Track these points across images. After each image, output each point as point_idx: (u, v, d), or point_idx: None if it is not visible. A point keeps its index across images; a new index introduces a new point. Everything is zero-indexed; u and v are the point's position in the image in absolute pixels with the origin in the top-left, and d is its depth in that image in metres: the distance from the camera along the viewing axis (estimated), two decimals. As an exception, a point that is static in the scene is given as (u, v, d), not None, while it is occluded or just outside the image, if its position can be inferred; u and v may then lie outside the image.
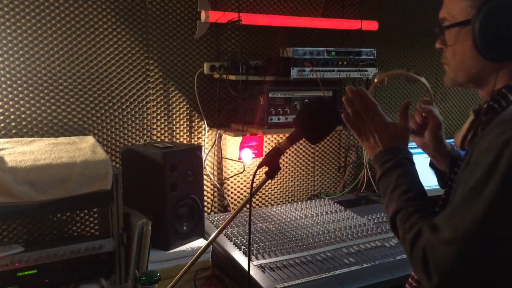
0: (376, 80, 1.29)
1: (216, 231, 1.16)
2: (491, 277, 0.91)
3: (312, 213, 2.22)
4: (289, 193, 2.55)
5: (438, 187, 1.35)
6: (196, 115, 2.24)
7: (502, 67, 1.01)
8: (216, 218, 2.15)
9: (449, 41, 1.06)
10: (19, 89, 1.86)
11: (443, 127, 1.29)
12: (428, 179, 1.30)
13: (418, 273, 0.97)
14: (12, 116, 1.85)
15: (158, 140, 2.16)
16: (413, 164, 1.14)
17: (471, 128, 1.06)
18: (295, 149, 2.53)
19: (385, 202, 1.10)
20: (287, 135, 1.22)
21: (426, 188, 1.09)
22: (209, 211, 2.31)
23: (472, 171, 0.92)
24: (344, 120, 1.21)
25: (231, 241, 1.87)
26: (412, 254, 0.96)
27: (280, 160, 1.21)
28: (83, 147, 1.68)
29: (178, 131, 2.21)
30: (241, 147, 2.27)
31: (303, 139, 1.22)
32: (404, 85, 2.81)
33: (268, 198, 2.49)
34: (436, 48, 1.12)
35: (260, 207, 2.45)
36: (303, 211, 2.25)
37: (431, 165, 1.36)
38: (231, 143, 2.30)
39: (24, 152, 1.58)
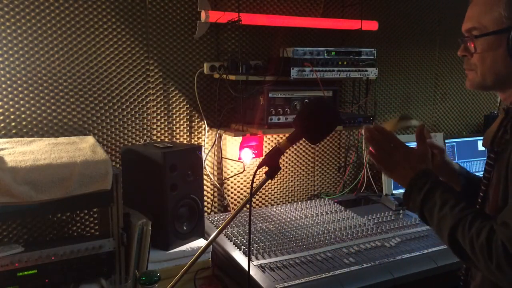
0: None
1: (216, 231, 1.16)
2: None
3: (312, 213, 2.22)
4: (289, 193, 2.55)
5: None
6: (196, 115, 2.24)
7: None
8: (216, 218, 2.15)
9: (478, 48, 1.13)
10: (19, 89, 1.86)
11: (446, 151, 1.37)
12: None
13: (504, 272, 0.97)
14: (12, 116, 1.85)
15: (158, 140, 2.16)
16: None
17: (501, 126, 1.14)
18: (295, 149, 2.53)
19: (436, 221, 1.11)
20: (287, 135, 1.22)
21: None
22: (209, 211, 2.31)
23: None
24: (370, 157, 1.26)
25: (231, 241, 1.87)
26: (491, 255, 0.98)
27: (280, 160, 1.21)
28: (83, 147, 1.68)
29: (178, 131, 2.21)
30: (241, 147, 2.27)
31: (303, 139, 1.23)
32: (403, 85, 2.81)
33: (268, 198, 2.49)
34: (459, 55, 1.19)
35: (260, 207, 2.45)
36: (303, 211, 2.25)
37: None
38: (231, 143, 2.30)
39: (24, 152, 1.58)
